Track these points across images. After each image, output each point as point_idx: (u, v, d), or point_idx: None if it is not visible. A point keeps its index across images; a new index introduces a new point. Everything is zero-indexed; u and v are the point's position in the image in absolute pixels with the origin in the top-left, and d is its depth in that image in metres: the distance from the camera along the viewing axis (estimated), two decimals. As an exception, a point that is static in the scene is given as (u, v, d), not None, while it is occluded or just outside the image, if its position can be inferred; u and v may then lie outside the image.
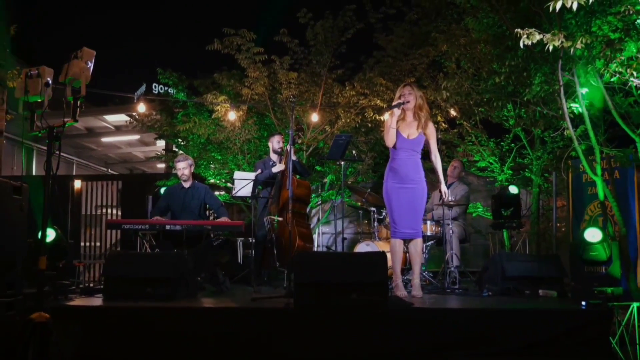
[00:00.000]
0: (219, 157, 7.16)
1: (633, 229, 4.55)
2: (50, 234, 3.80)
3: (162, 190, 5.82)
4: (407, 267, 5.17)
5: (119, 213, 8.42)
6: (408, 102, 4.02)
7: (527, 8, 4.02)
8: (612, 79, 3.81)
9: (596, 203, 4.88)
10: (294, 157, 5.08)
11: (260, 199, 5.33)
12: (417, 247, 4.09)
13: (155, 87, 13.39)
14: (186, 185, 5.15)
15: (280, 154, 5.41)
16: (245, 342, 3.17)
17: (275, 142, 5.43)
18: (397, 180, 4.03)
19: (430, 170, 4.50)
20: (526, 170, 6.22)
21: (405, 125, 4.07)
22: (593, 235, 3.94)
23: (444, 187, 4.21)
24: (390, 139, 4.03)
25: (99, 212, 8.61)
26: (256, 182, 5.03)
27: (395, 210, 4.03)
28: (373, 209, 5.54)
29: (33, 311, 2.57)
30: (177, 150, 8.33)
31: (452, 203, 5.10)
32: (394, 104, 4.06)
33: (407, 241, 4.18)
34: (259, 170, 5.31)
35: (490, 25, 4.52)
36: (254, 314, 3.31)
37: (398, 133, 4.04)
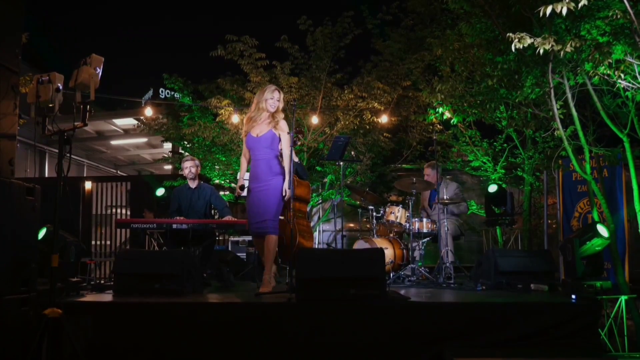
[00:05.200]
0: (223, 159, 7.26)
1: (621, 225, 4.64)
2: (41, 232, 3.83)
3: (158, 192, 5.90)
4: (403, 264, 5.29)
5: (128, 213, 8.56)
6: (271, 107, 4.02)
7: (518, 13, 4.08)
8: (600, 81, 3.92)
9: (585, 200, 4.99)
10: (295, 159, 5.19)
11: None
12: (269, 243, 4.01)
13: (162, 92, 13.49)
14: (193, 185, 5.26)
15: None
16: (249, 335, 3.24)
17: None
18: (252, 181, 4.06)
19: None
20: (518, 169, 6.29)
21: (257, 125, 4.07)
22: (602, 230, 3.95)
23: (285, 185, 4.03)
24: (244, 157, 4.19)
25: (108, 212, 8.76)
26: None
27: (247, 208, 4.09)
28: (371, 207, 5.61)
29: (46, 307, 2.62)
30: (183, 152, 8.42)
31: (447, 201, 5.22)
32: (269, 108, 4.02)
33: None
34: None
35: (483, 30, 4.57)
36: (258, 308, 3.39)
37: (248, 134, 4.08)
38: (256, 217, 4.01)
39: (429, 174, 5.77)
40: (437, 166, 5.56)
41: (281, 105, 4.11)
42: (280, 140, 4.08)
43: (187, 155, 5.69)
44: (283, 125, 4.09)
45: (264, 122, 4.07)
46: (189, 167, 5.23)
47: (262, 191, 4.01)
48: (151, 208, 5.17)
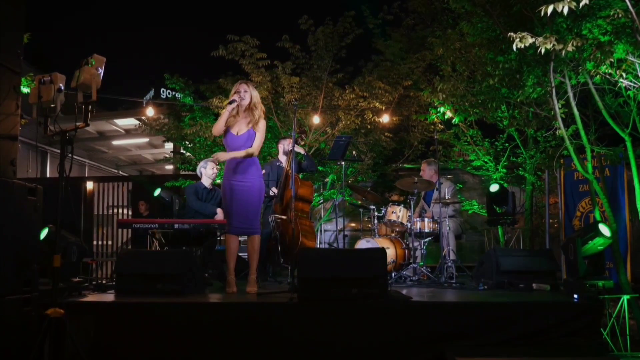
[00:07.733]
0: (225, 159, 7.31)
1: (623, 224, 4.64)
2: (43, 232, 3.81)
3: (155, 192, 5.88)
4: (405, 263, 5.29)
5: (130, 213, 8.59)
6: (243, 99, 3.93)
7: (519, 12, 4.08)
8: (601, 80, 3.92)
9: (587, 200, 4.99)
10: (302, 151, 5.18)
11: (265, 198, 5.45)
12: (254, 243, 4.01)
13: (163, 92, 13.53)
14: (209, 186, 5.29)
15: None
16: (251, 335, 3.24)
17: (286, 144, 5.42)
18: (232, 177, 3.97)
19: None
20: (520, 168, 6.28)
21: (236, 122, 3.99)
22: (604, 229, 3.92)
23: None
24: (216, 129, 3.98)
25: (110, 212, 8.80)
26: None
27: (229, 206, 3.98)
28: (373, 206, 5.60)
29: (48, 307, 2.62)
30: (184, 152, 8.44)
31: (448, 201, 5.22)
32: (229, 100, 3.98)
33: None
34: (263, 171, 5.42)
35: (484, 29, 4.57)
36: (260, 308, 3.38)
37: (228, 131, 3.97)
38: (244, 217, 3.98)
39: (424, 169, 5.78)
40: (437, 164, 5.56)
41: (248, 98, 3.96)
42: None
43: (208, 158, 5.63)
44: (262, 126, 4.02)
45: (243, 120, 4.01)
46: (215, 167, 5.24)
47: (246, 190, 3.97)
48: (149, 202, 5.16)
